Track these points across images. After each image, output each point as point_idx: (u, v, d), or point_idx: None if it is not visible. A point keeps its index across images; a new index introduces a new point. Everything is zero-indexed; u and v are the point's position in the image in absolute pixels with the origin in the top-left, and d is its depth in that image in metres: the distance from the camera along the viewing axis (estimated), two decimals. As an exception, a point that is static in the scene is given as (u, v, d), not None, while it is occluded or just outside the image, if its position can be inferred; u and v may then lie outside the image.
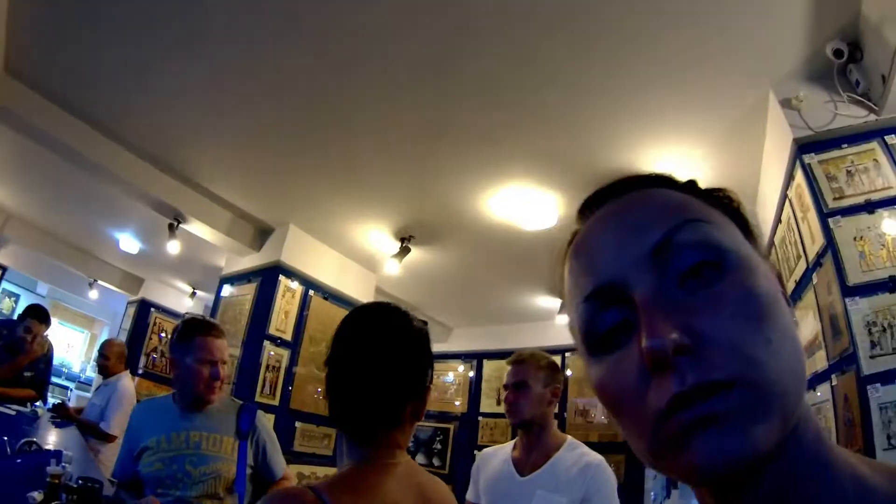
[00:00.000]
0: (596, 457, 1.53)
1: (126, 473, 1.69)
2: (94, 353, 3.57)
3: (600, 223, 0.39)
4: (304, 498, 0.64)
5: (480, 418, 5.17)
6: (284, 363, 3.86)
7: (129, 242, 5.43)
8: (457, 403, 5.41)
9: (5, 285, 8.68)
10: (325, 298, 4.17)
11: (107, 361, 3.43)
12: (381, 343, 0.76)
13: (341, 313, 3.85)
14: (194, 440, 1.62)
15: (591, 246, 0.38)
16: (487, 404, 5.18)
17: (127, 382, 3.44)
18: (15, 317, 3.43)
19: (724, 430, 0.28)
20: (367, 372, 0.74)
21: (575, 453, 1.54)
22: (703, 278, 0.32)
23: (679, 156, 2.59)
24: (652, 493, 5.57)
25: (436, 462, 5.25)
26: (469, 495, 1.71)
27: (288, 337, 3.90)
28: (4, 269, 8.24)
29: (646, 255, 0.34)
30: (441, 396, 5.49)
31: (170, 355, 1.70)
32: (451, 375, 5.57)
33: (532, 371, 1.57)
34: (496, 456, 1.68)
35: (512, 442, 1.69)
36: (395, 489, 0.73)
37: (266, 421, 1.80)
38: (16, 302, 8.81)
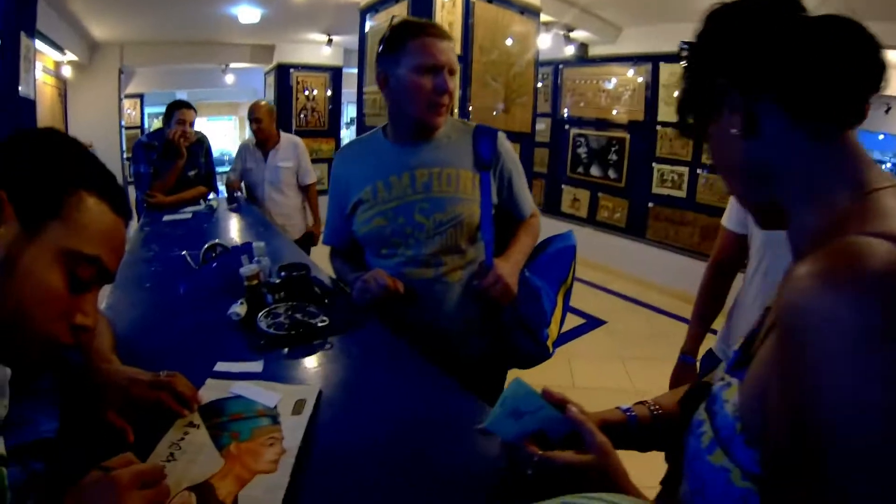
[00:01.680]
0: None
1: (340, 238, 1.41)
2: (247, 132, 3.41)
3: None
4: None
5: (658, 128, 4.70)
6: (456, 80, 3.67)
7: (248, 13, 5.16)
8: (631, 111, 4.90)
9: (148, 109, 9.28)
10: (490, 2, 3.69)
11: (260, 124, 3.17)
12: None
13: (509, 16, 3.30)
14: (422, 180, 1.25)
15: None
16: (666, 112, 4.58)
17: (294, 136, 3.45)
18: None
19: None
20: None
21: None
22: None
23: None
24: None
25: (611, 174, 5.15)
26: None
27: (456, 51, 3.61)
28: (141, 96, 8.68)
29: None
30: (613, 104, 5.08)
31: (378, 72, 1.27)
32: (617, 80, 4.99)
33: None
34: None
35: None
36: None
37: (509, 144, 1.38)
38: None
